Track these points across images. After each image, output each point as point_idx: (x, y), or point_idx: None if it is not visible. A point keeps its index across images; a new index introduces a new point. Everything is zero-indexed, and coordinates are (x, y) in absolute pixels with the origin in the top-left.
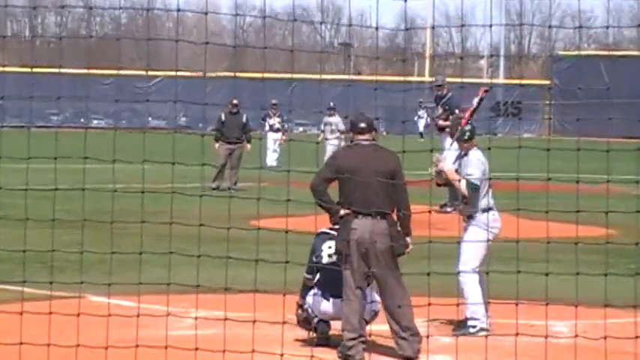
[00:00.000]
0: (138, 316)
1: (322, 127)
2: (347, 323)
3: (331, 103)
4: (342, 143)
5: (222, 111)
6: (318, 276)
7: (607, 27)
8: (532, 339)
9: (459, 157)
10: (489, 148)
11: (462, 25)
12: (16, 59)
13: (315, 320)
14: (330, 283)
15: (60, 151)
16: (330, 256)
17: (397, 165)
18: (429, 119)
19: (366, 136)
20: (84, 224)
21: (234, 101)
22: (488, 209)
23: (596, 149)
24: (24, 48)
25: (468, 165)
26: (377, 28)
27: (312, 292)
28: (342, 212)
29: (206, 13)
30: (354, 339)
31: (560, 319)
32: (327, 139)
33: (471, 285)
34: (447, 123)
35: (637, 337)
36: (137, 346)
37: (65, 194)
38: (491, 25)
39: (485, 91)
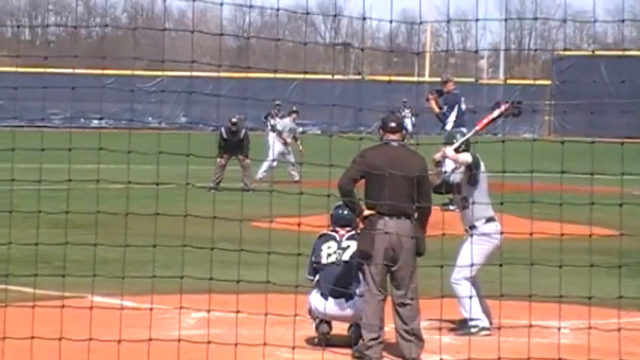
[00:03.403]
0: (151, 309)
1: (283, 127)
2: (367, 323)
3: (288, 106)
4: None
5: (223, 126)
6: (317, 277)
7: (623, 21)
8: (534, 339)
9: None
10: (502, 141)
11: (465, 20)
12: (16, 59)
13: (317, 321)
14: (330, 283)
15: (63, 151)
16: (329, 255)
17: (424, 168)
18: (413, 118)
19: (396, 136)
20: (96, 220)
21: (233, 119)
22: (491, 219)
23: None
24: (23, 48)
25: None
26: (379, 21)
27: (312, 292)
28: (366, 213)
29: (221, 5)
30: (373, 339)
31: (566, 319)
32: (286, 143)
33: (464, 287)
34: (436, 108)
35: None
36: (150, 339)
37: (72, 194)
38: (505, 20)
39: (511, 107)
